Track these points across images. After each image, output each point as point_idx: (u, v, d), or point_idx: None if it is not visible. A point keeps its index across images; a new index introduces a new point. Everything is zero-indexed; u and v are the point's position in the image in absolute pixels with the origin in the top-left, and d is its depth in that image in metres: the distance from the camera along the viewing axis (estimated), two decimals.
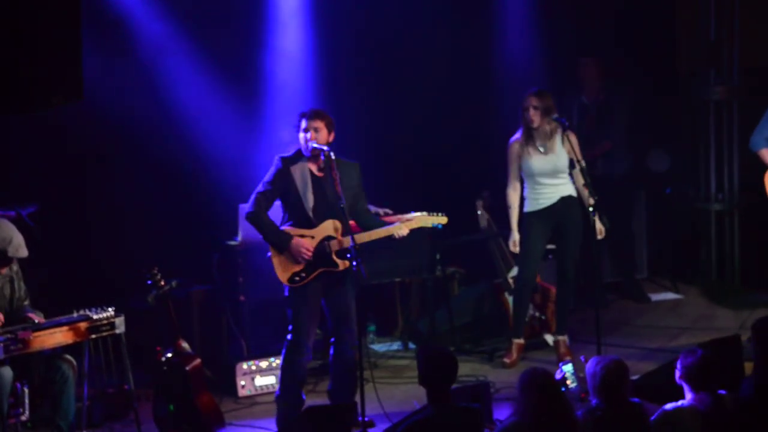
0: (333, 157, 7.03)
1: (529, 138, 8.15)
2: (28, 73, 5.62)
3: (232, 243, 8.46)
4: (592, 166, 9.28)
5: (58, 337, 6.84)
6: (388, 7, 9.47)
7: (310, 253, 7.04)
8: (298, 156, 7.17)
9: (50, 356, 6.96)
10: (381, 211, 8.43)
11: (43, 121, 8.11)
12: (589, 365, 5.85)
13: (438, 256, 8.70)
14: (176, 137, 8.98)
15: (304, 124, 7.12)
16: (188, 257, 8.67)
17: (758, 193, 8.53)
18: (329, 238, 7.11)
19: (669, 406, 5.84)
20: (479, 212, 8.97)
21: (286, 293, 7.20)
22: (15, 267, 7.05)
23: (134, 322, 7.32)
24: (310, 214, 7.09)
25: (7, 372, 6.71)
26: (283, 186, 7.11)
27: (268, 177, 7.14)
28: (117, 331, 7.01)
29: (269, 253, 7.16)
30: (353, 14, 9.40)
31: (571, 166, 8.04)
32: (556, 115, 8.00)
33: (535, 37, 10.02)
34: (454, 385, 5.96)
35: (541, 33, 10.02)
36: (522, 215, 8.28)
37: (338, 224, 7.10)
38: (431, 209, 8.60)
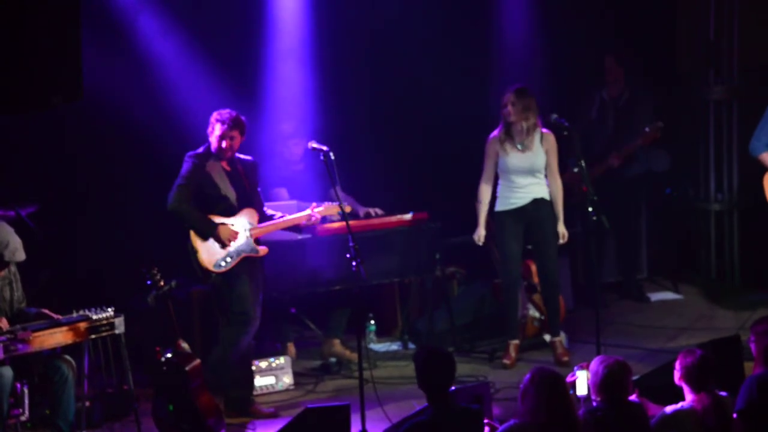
0: (322, 153, 7.16)
1: (508, 135, 8.19)
2: (27, 73, 5.62)
3: None
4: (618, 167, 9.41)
5: (58, 337, 6.83)
6: (389, 4, 9.47)
7: (237, 236, 7.35)
8: (208, 154, 7.44)
9: (50, 356, 6.96)
10: (372, 211, 8.43)
11: (43, 121, 8.11)
12: (593, 364, 5.84)
13: (438, 256, 8.69)
14: (176, 137, 8.96)
15: (218, 131, 7.37)
16: (188, 257, 8.64)
17: (758, 195, 8.52)
18: (249, 224, 7.43)
19: (669, 409, 5.84)
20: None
21: (211, 279, 7.43)
22: (13, 269, 7.04)
23: (134, 322, 7.31)
24: (235, 204, 7.42)
25: (7, 372, 6.69)
26: (199, 181, 7.38)
27: (184, 172, 7.41)
28: (116, 332, 7.01)
29: (189, 241, 7.39)
30: (354, 11, 9.39)
31: (572, 164, 8.02)
32: (555, 116, 8.00)
33: (535, 37, 10.03)
34: (454, 386, 5.95)
35: (542, 33, 10.02)
36: (494, 215, 8.34)
37: (255, 213, 7.49)
38: (431, 209, 8.62)
